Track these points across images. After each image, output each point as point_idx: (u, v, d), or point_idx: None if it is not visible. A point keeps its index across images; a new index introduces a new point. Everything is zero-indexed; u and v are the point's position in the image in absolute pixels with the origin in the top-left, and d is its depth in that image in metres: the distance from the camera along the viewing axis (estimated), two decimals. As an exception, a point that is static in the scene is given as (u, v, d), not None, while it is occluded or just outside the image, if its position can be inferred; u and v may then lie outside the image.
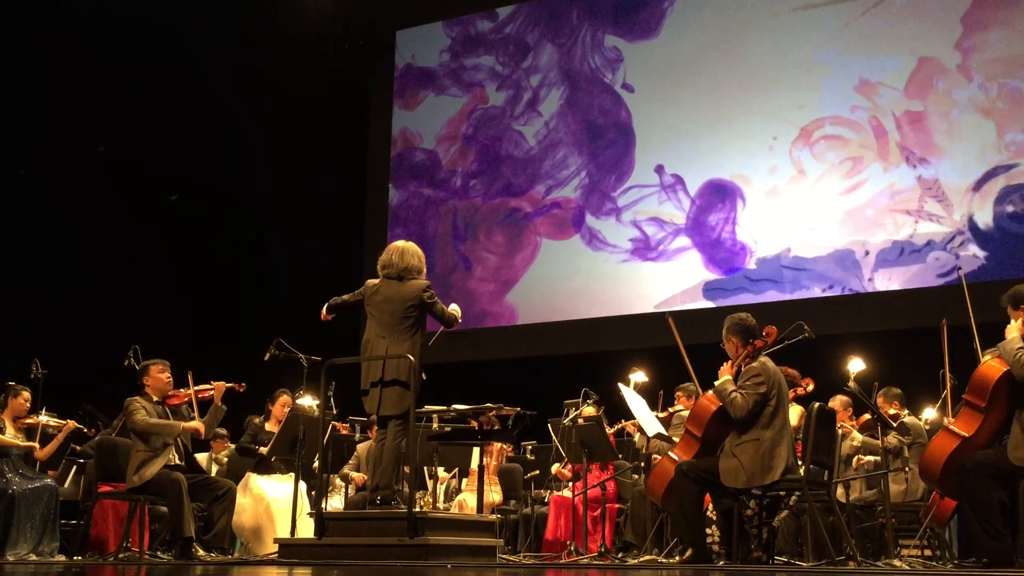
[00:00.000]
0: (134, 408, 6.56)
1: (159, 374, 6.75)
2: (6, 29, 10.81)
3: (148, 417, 6.52)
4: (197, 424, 6.70)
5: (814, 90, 10.02)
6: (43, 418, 7.08)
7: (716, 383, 5.52)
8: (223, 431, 8.34)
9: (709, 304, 10.04)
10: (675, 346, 6.38)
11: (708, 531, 6.32)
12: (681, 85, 10.65)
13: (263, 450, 7.29)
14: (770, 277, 9.88)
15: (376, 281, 6.02)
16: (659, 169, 10.60)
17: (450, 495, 8.22)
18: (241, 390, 7.02)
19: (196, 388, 6.83)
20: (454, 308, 6.09)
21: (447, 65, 12.01)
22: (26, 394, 7.05)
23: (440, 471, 7.93)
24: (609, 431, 7.32)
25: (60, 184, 11.36)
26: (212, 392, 6.82)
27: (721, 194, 10.29)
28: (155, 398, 6.71)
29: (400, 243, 6.10)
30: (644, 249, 10.55)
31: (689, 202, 10.40)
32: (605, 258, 10.73)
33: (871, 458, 7.05)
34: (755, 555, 5.53)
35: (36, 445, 6.99)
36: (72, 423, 7.23)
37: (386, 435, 5.81)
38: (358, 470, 7.88)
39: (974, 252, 9.08)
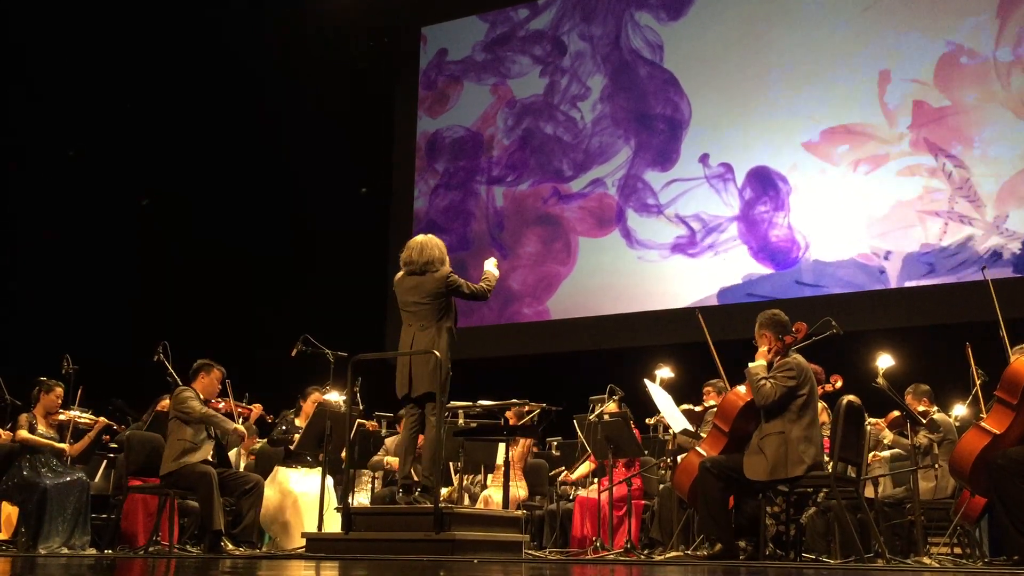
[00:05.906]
0: (189, 395, 6.65)
1: (215, 380, 6.87)
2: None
3: (203, 407, 6.63)
4: (243, 429, 6.86)
5: (836, 83, 9.78)
6: (75, 413, 7.15)
7: (750, 364, 5.53)
8: (254, 427, 8.44)
9: (741, 300, 9.91)
10: (703, 342, 6.38)
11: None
12: (706, 73, 10.47)
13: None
14: (789, 280, 9.73)
15: (400, 274, 6.14)
16: (704, 159, 10.38)
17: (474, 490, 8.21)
18: (269, 421, 7.40)
19: (236, 403, 7.03)
20: (488, 271, 6.18)
21: (482, 56, 11.85)
22: (59, 390, 7.10)
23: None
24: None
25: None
26: (250, 411, 7.10)
27: (763, 186, 10.04)
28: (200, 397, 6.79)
29: (420, 238, 6.18)
30: (683, 245, 10.35)
31: (736, 194, 10.12)
32: (641, 254, 10.56)
33: (886, 453, 7.02)
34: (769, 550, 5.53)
35: (67, 447, 7.01)
36: (103, 420, 7.31)
37: (413, 420, 5.99)
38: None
39: (1007, 254, 8.85)
